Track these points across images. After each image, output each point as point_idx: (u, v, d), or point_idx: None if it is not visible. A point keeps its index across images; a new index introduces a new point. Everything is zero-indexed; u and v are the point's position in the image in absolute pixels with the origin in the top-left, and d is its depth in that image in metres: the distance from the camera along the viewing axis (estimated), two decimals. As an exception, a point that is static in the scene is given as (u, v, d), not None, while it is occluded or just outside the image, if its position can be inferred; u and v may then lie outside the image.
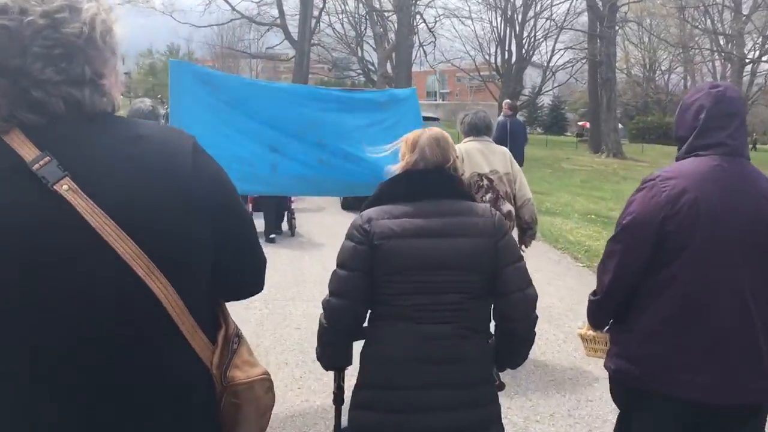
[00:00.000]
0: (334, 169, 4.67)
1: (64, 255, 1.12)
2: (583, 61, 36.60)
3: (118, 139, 1.22)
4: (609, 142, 29.99)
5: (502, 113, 14.29)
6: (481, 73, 42.06)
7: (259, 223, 8.74)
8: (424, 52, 38.86)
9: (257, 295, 1.55)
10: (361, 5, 37.31)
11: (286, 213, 9.55)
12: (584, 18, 34.78)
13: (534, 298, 2.20)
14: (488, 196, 4.21)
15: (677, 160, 2.28)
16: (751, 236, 2.10)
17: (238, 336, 1.40)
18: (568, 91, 55.35)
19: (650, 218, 2.13)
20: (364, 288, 2.14)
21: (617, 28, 33.00)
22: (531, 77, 48.00)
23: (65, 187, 1.12)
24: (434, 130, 2.31)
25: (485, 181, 4.24)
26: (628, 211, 2.22)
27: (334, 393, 2.54)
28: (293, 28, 33.85)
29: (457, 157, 2.32)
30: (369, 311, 2.21)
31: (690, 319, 2.10)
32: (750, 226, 2.09)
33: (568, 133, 54.29)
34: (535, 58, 41.16)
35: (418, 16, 35.93)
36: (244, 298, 1.50)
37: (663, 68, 53.15)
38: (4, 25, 1.12)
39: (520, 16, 38.36)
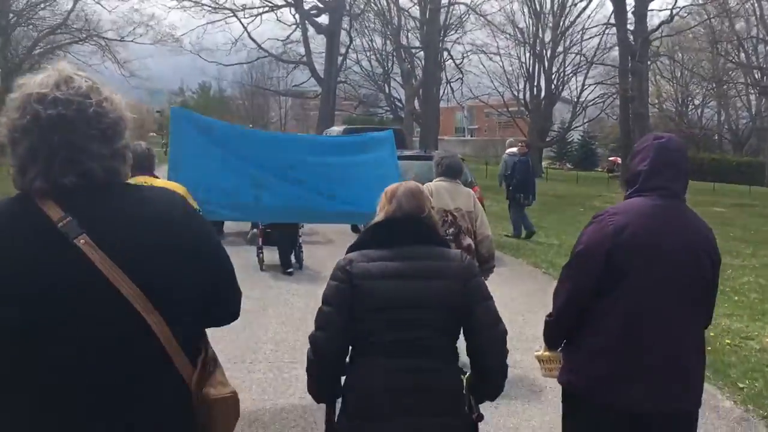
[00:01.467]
0: (311, 202, 5.52)
1: (79, 294, 1.42)
2: (615, 96, 35.89)
3: (126, 202, 1.55)
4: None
5: (517, 151, 13.71)
6: (510, 109, 41.61)
7: (269, 256, 9.46)
8: (452, 88, 38.61)
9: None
10: (388, 42, 37.36)
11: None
12: (615, 53, 34.19)
13: (503, 333, 2.42)
14: (451, 230, 4.70)
15: (625, 199, 2.60)
16: (683, 267, 2.45)
17: (215, 360, 1.68)
18: (598, 126, 54.56)
19: (599, 247, 2.45)
20: (345, 323, 2.35)
21: (649, 62, 32.36)
22: (560, 113, 47.42)
23: (82, 241, 1.42)
24: (410, 183, 2.61)
25: (449, 217, 4.74)
26: (580, 242, 2.56)
27: (325, 427, 2.60)
28: (320, 66, 33.91)
29: (432, 207, 2.63)
30: (350, 347, 2.42)
31: (627, 340, 2.42)
32: (682, 257, 2.44)
33: (599, 169, 53.33)
34: (564, 94, 40.61)
35: (445, 53, 35.81)
36: (224, 325, 1.80)
37: (696, 102, 52.15)
38: (63, 114, 1.46)
39: (549, 52, 37.97)
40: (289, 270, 9.23)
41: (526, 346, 5.58)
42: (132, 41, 32.87)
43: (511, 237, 13.09)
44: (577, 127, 44.86)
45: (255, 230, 9.82)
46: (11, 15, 30.14)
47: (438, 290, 2.35)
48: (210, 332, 1.72)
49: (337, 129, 20.75)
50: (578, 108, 39.49)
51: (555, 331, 2.67)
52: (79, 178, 1.47)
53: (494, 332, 2.39)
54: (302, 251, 9.71)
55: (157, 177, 4.47)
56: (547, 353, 2.74)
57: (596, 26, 36.21)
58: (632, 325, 2.41)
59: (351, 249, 2.50)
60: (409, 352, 2.30)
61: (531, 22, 38.26)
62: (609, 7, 32.81)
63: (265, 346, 5.89)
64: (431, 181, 5.02)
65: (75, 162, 1.47)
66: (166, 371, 1.52)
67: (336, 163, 5.67)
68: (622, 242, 2.40)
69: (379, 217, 2.54)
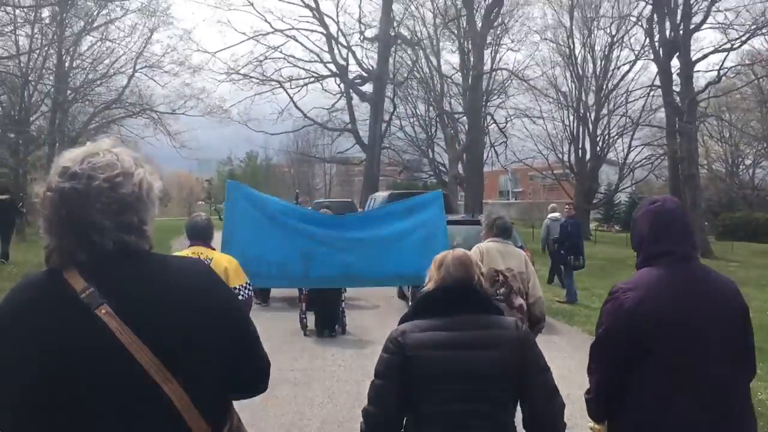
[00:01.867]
0: (360, 269, 5.83)
1: (99, 363, 1.44)
2: (663, 157, 35.26)
3: (148, 273, 1.57)
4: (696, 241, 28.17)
5: (564, 215, 13.72)
6: (555, 172, 41.22)
7: (313, 321, 9.41)
8: (495, 152, 38.57)
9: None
10: (431, 109, 37.73)
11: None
12: (662, 114, 33.73)
13: (561, 406, 2.37)
14: (502, 290, 4.68)
15: (637, 269, 2.57)
16: (710, 329, 2.36)
17: (239, 430, 1.70)
18: (646, 188, 53.61)
19: (618, 327, 2.41)
20: (397, 396, 2.33)
21: (697, 123, 31.82)
22: (607, 174, 46.77)
23: (103, 311, 1.46)
24: (458, 251, 2.60)
25: (500, 277, 4.72)
26: (600, 322, 2.52)
27: None
28: (364, 133, 34.37)
29: (482, 274, 2.59)
30: (404, 418, 2.37)
31: (662, 412, 2.34)
32: (706, 319, 2.37)
33: (649, 231, 51.91)
34: (610, 155, 40.08)
35: (488, 117, 35.94)
36: (250, 396, 1.78)
37: (747, 162, 50.92)
38: (75, 187, 1.50)
39: (593, 114, 37.75)
40: (325, 333, 9.22)
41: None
42: (183, 114, 33.82)
43: (564, 303, 12.63)
44: (624, 188, 44.07)
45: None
46: (69, 92, 31.48)
47: (493, 361, 2.31)
48: (255, 408, 1.61)
49: (382, 194, 20.75)
50: (625, 169, 38.85)
51: (596, 408, 2.63)
52: (87, 250, 1.52)
53: (552, 405, 2.35)
54: (345, 316, 9.57)
55: (213, 248, 4.43)
56: (597, 426, 2.74)
57: (641, 88, 35.96)
58: (673, 397, 2.34)
59: (403, 320, 2.49)
60: (464, 423, 2.26)
61: (573, 86, 38.26)
62: (653, 69, 32.65)
63: (311, 422, 5.62)
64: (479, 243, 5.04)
65: (81, 235, 1.51)
66: None
67: (384, 233, 6.09)
68: (641, 318, 2.36)
69: (429, 286, 2.54)
